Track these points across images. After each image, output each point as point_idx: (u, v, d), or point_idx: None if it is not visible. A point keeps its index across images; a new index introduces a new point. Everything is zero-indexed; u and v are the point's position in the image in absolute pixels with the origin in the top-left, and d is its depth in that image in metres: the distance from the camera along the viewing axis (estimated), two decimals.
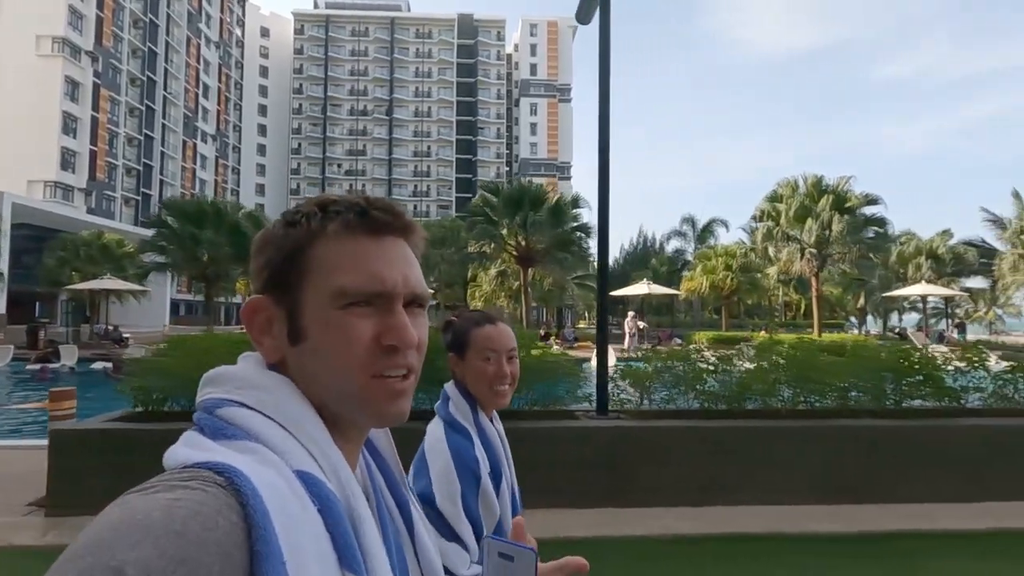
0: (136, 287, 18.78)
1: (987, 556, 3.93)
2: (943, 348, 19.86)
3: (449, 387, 1.31)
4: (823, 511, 4.48)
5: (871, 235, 19.40)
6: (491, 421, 1.32)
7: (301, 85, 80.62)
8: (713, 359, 5.49)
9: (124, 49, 52.03)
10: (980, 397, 5.44)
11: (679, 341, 26.14)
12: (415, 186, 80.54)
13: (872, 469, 4.73)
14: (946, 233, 30.15)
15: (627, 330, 19.74)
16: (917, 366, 5.33)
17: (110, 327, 20.85)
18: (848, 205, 18.64)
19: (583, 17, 6.02)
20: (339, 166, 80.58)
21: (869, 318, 40.92)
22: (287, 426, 0.51)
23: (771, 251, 20.16)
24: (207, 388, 0.55)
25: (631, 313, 20.62)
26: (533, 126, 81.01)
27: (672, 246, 38.46)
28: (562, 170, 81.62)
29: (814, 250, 19.00)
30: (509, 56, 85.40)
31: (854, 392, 5.34)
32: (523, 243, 18.65)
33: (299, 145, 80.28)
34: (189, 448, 0.48)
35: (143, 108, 54.68)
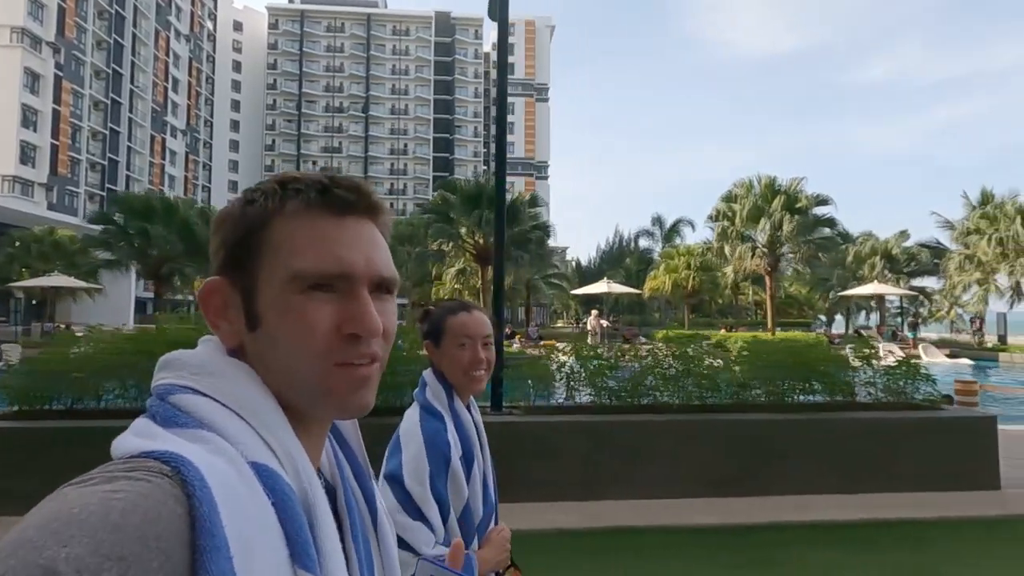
0: (84, 284, 18.31)
1: (846, 546, 4.05)
2: (893, 346, 20.38)
3: (427, 374, 1.35)
4: (703, 504, 4.58)
5: (821, 235, 19.85)
6: (468, 408, 1.35)
7: (275, 80, 79.44)
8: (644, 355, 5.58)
9: (88, 41, 50.67)
10: (870, 392, 5.58)
11: (643, 339, 26.50)
12: (391, 184, 79.95)
13: (755, 462, 4.84)
14: (903, 234, 30.96)
15: (590, 329, 19.87)
16: (816, 363, 5.46)
17: (60, 326, 20.34)
18: (799, 206, 19.05)
19: (493, 14, 6.04)
20: (314, 163, 79.52)
21: (839, 317, 41.81)
22: (243, 414, 0.48)
23: (727, 250, 20.48)
24: (161, 373, 0.51)
25: (594, 312, 20.78)
26: (511, 125, 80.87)
27: (641, 245, 38.75)
28: (539, 169, 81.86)
29: (765, 249, 19.38)
30: (487, 54, 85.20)
31: (756, 389, 5.47)
32: (481, 241, 18.69)
33: (273, 141, 79.13)
34: (137, 437, 0.45)
35: (108, 102, 53.33)
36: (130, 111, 56.78)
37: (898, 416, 5.11)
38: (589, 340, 19.76)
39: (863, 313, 44.89)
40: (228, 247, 0.53)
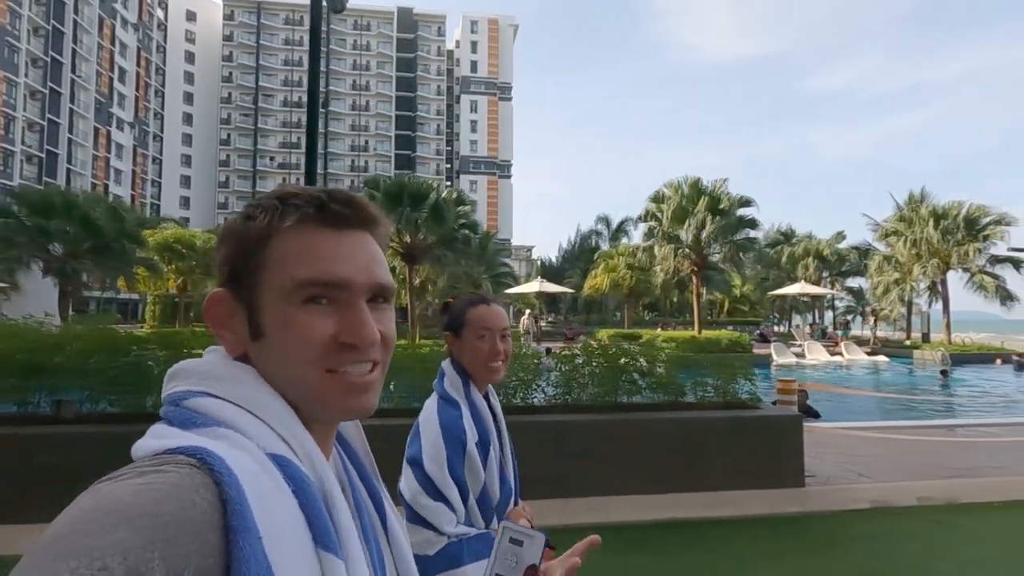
0: None
1: (635, 548, 4.03)
2: (817, 344, 20.79)
3: (445, 364, 1.41)
4: None
5: (743, 236, 20.29)
6: (488, 397, 1.42)
7: (231, 73, 77.22)
8: None
9: (23, 26, 48.26)
10: (701, 392, 5.63)
11: (582, 338, 26.70)
12: (352, 181, 78.58)
13: (560, 463, 4.80)
14: (839, 235, 32.00)
15: (522, 329, 19.85)
16: (635, 363, 5.47)
17: None
18: (722, 207, 19.43)
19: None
20: (272, 159, 77.74)
21: (796, 316, 42.93)
22: (256, 412, 0.51)
23: (656, 250, 20.76)
24: (172, 382, 0.53)
25: (527, 312, 20.78)
26: (473, 123, 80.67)
27: (592, 244, 39.03)
28: (502, 168, 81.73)
29: (687, 249, 19.72)
30: (450, 52, 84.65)
31: (592, 389, 5.46)
32: (408, 240, 18.48)
33: (228, 136, 76.92)
34: (158, 439, 0.47)
35: (47, 91, 50.91)
36: (71, 101, 54.35)
37: (708, 416, 5.16)
38: (522, 340, 19.77)
39: (815, 312, 46.38)
40: (231, 261, 0.55)
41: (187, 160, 76.12)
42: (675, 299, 39.90)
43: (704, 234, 19.13)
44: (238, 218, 0.57)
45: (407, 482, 1.26)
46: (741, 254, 19.98)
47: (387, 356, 0.57)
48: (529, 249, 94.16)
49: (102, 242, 16.41)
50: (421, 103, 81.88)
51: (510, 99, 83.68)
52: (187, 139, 76.20)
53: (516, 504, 1.42)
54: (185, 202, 75.54)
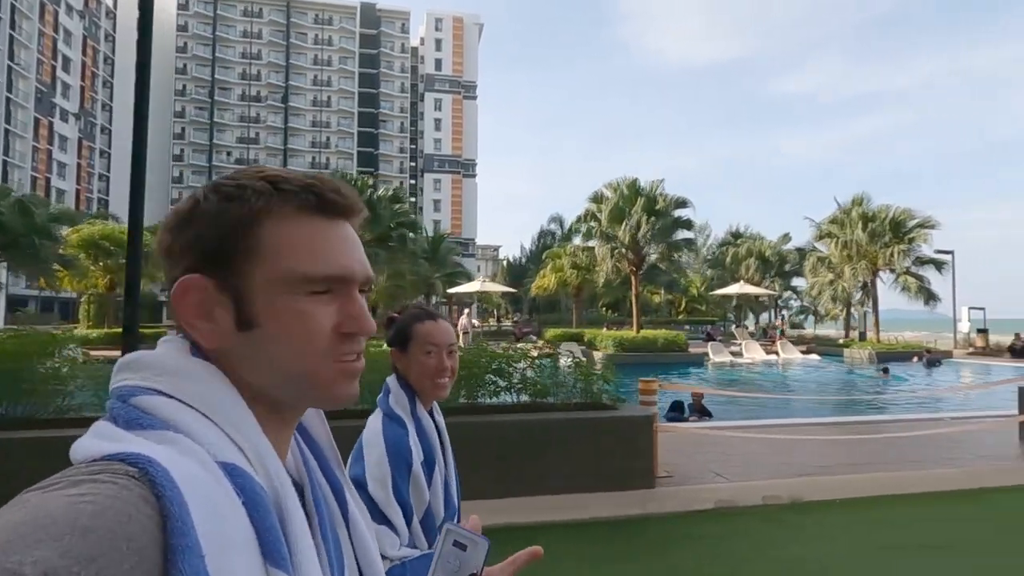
0: None
1: None
2: (755, 343, 21.17)
3: (391, 380, 1.37)
4: None
5: (679, 236, 20.61)
6: (432, 414, 1.40)
7: (185, 65, 74.78)
8: None
9: None
10: (566, 392, 5.57)
11: (534, 338, 26.73)
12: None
13: None
14: (785, 236, 32.89)
15: (460, 328, 19.67)
16: (495, 363, 5.38)
17: None
18: (658, 207, 19.69)
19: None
20: (228, 154, 75.60)
21: (752, 316, 43.91)
22: (211, 415, 0.48)
23: (597, 251, 20.90)
24: (122, 374, 0.50)
25: (466, 311, 20.63)
26: (437, 122, 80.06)
27: (546, 244, 39.16)
28: (467, 167, 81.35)
29: (623, 249, 19.92)
30: (415, 49, 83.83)
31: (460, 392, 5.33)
32: None
33: (183, 130, 74.46)
34: (99, 439, 0.43)
35: None
36: (8, 90, 51.68)
37: (559, 417, 5.10)
38: (460, 339, 19.60)
39: (772, 312, 47.64)
40: (205, 244, 0.51)
41: None
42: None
43: (639, 234, 19.33)
44: (207, 197, 0.52)
45: None
46: (675, 254, 20.26)
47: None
48: (496, 249, 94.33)
49: (7, 239, 15.49)
50: (384, 100, 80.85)
51: (475, 98, 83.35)
52: None
53: (458, 522, 1.42)
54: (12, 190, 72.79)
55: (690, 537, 4.29)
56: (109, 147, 69.60)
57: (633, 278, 20.54)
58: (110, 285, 22.05)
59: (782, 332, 25.33)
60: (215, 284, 0.51)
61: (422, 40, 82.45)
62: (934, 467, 5.77)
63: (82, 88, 62.40)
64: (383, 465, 1.24)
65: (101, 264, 21.32)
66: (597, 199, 20.78)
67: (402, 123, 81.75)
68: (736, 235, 36.56)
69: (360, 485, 1.22)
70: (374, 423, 1.33)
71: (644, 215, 19.26)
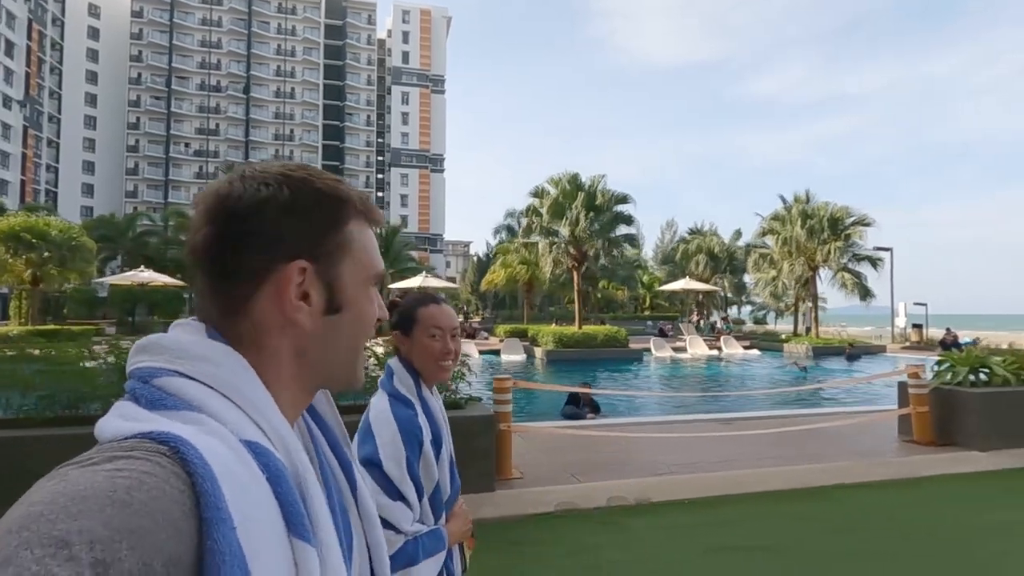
0: None
1: None
2: (699, 339, 21.24)
3: (393, 362, 1.39)
4: None
5: (620, 232, 20.59)
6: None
7: (140, 52, 72.01)
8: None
9: None
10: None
11: (485, 335, 26.47)
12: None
13: None
14: (737, 233, 33.29)
15: None
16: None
17: None
18: (598, 203, 19.60)
19: None
20: (187, 145, 73.20)
21: (715, 312, 44.33)
22: (231, 396, 0.50)
23: (540, 246, 20.70)
24: (140, 356, 0.51)
25: None
26: (405, 115, 78.98)
27: (502, 238, 38.92)
28: (434, 162, 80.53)
29: (564, 244, 19.80)
30: (382, 42, 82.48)
31: None
32: None
33: (138, 119, 71.75)
34: (125, 420, 0.45)
35: None
36: None
37: None
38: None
39: (738, 307, 48.35)
40: (311, 233, 0.56)
41: (90, 144, 70.52)
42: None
43: (578, 229, 19.21)
44: (300, 189, 0.56)
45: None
46: (615, 250, 20.21)
47: None
48: (467, 244, 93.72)
49: None
50: (350, 92, 79.38)
51: (443, 92, 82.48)
52: (90, 121, 70.55)
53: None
54: (88, 189, 70.10)
55: (509, 542, 4.06)
56: (58, 136, 66.75)
57: (575, 274, 20.42)
58: (34, 280, 21.01)
59: (729, 328, 25.59)
60: (315, 270, 0.56)
61: (389, 32, 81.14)
62: (799, 463, 5.68)
63: (27, 74, 59.55)
64: (397, 443, 1.25)
65: (23, 258, 20.27)
66: (539, 194, 20.57)
67: (369, 116, 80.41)
68: (694, 232, 36.91)
69: (373, 464, 1.23)
70: (380, 404, 1.33)
71: (584, 210, 19.15)
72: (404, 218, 76.94)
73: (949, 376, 6.55)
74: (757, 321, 45.11)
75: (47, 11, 63.82)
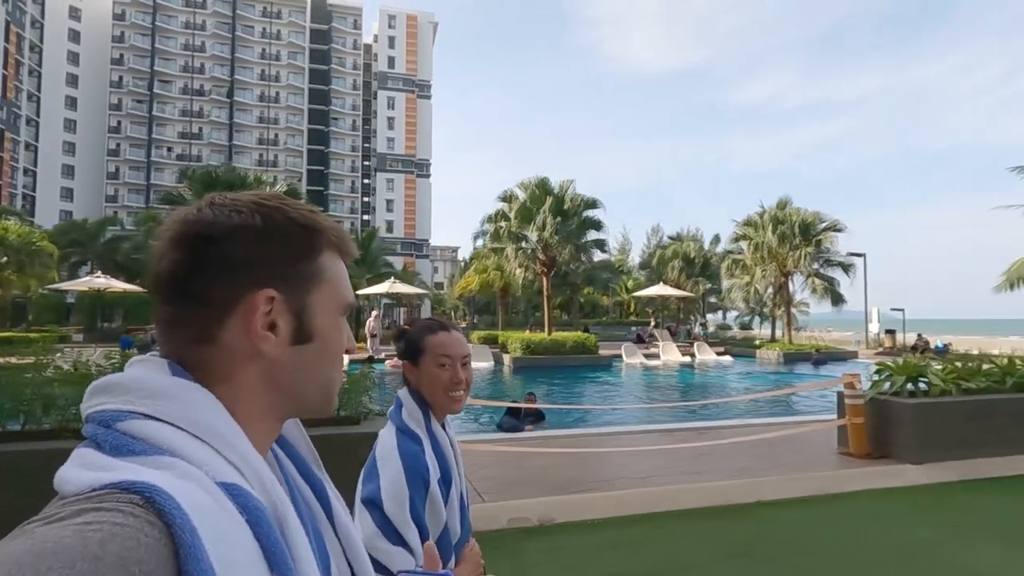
0: None
1: None
2: (672, 345, 21.01)
3: (403, 394, 1.33)
4: None
5: (590, 237, 20.40)
6: (443, 427, 1.34)
7: (122, 55, 71.26)
8: None
9: None
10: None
11: None
12: (260, 176, 74.64)
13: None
14: (716, 239, 33.29)
15: (368, 331, 18.92)
16: None
17: None
18: (566, 208, 19.41)
19: None
20: (169, 149, 72.42)
21: (699, 317, 44.26)
22: (203, 436, 0.48)
23: (509, 251, 20.47)
24: (99, 398, 0.49)
25: (374, 313, 19.90)
26: (391, 120, 78.70)
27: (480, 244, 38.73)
28: (420, 167, 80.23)
29: (531, 250, 19.57)
30: (368, 46, 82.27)
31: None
32: None
33: (119, 123, 70.91)
34: (89, 470, 0.42)
35: None
36: None
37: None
38: (368, 343, 18.84)
39: (723, 313, 48.34)
40: (282, 262, 0.56)
41: (70, 148, 69.53)
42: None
43: (545, 234, 18.99)
44: (279, 216, 0.56)
45: (362, 524, 1.16)
46: (583, 255, 20.00)
47: None
48: (455, 250, 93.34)
49: None
50: (336, 97, 79.00)
51: (429, 97, 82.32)
52: (70, 125, 69.60)
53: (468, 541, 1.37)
54: (68, 193, 69.05)
55: None
56: (36, 139, 65.76)
57: (545, 279, 20.19)
58: None
59: (706, 334, 25.48)
60: (284, 300, 0.55)
61: (375, 37, 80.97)
62: (724, 478, 5.44)
63: (4, 76, 58.67)
64: (400, 484, 1.18)
65: None
66: (508, 198, 20.37)
67: (354, 121, 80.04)
68: (674, 237, 36.90)
69: (374, 504, 1.18)
70: (387, 438, 1.28)
71: (551, 215, 18.95)
72: (390, 223, 76.53)
73: (887, 386, 6.37)
74: (743, 327, 45.16)
75: (26, 12, 62.99)
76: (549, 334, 19.36)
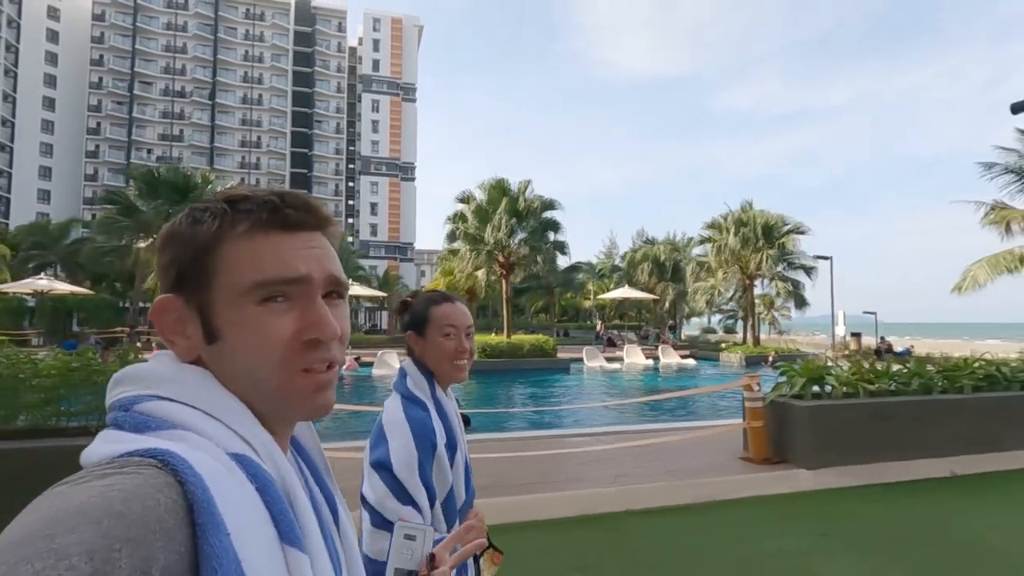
0: None
1: None
2: (636, 348, 20.75)
3: (407, 364, 1.36)
4: None
5: (548, 239, 20.19)
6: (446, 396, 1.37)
7: (102, 56, 70.50)
8: None
9: None
10: None
11: None
12: (242, 179, 73.93)
13: None
14: (691, 242, 33.16)
15: None
16: None
17: None
18: (521, 208, 19.19)
19: None
20: (150, 151, 71.56)
21: (695, 319, 44.24)
22: (214, 413, 0.50)
23: (467, 253, 20.23)
24: (119, 388, 0.52)
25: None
26: (375, 123, 78.34)
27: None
28: (405, 170, 79.88)
29: (487, 252, 19.32)
30: (352, 49, 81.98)
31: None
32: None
33: (98, 124, 70.08)
34: (111, 443, 0.45)
35: None
36: None
37: None
38: None
39: (708, 317, 48.41)
40: (180, 265, 0.54)
41: (47, 149, 68.58)
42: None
43: (500, 235, 18.74)
44: (183, 221, 0.56)
45: (372, 486, 1.20)
46: (539, 257, 19.77)
47: (342, 353, 0.57)
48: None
49: None
50: (320, 100, 78.58)
51: (414, 100, 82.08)
52: (47, 126, 68.68)
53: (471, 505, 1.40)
54: (45, 195, 68.06)
55: None
56: (12, 141, 64.82)
57: (504, 281, 19.93)
58: None
59: (674, 337, 25.30)
60: (184, 302, 0.54)
61: (360, 40, 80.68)
62: (603, 485, 5.19)
63: None
64: (409, 447, 1.21)
65: None
66: (466, 199, 20.11)
67: (338, 124, 79.64)
68: (647, 241, 36.82)
69: (384, 467, 1.20)
70: (393, 405, 1.29)
71: (507, 216, 18.71)
72: (374, 227, 76.10)
73: (787, 388, 6.16)
74: (728, 330, 45.15)
75: (2, 12, 62.19)
76: (508, 337, 19.10)
